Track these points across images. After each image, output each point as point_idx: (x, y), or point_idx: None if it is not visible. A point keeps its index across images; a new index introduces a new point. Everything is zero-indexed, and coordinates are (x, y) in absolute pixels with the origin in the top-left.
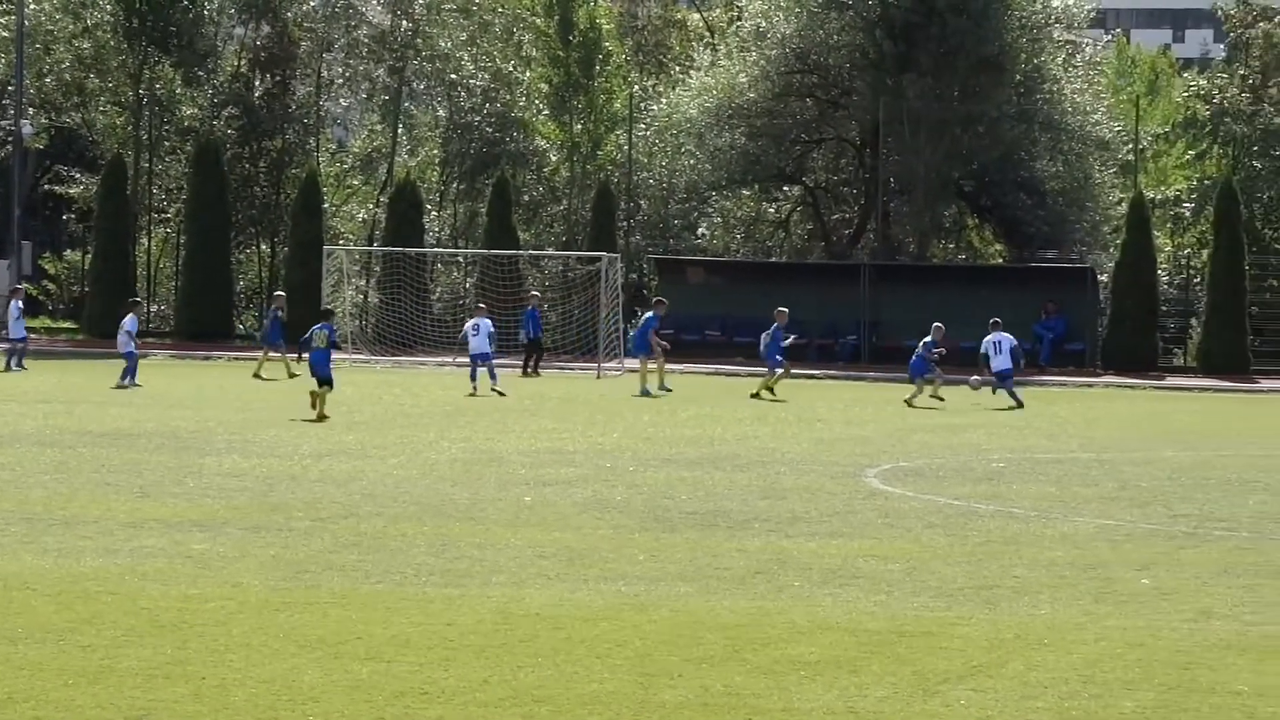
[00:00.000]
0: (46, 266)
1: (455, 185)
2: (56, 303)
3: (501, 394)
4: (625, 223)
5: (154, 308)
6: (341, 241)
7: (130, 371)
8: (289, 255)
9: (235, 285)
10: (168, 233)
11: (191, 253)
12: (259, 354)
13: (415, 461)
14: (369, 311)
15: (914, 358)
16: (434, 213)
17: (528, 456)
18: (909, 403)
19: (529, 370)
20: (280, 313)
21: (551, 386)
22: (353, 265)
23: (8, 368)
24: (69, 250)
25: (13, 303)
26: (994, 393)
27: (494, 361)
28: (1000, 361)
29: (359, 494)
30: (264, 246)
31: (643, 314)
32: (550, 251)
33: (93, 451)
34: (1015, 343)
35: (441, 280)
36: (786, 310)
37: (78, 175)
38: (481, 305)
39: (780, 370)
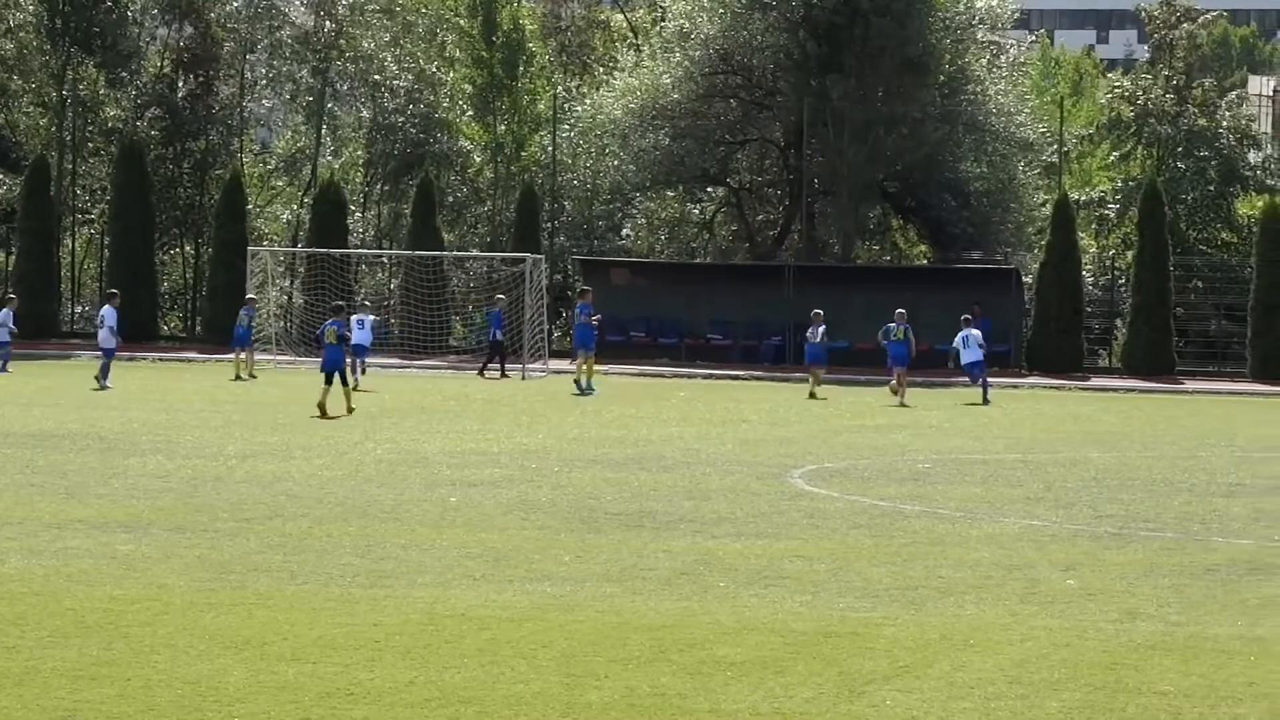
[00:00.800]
0: None
1: (380, 186)
2: None
3: (357, 389)
4: (550, 224)
5: (78, 309)
6: (266, 243)
7: (105, 370)
8: (213, 256)
9: (159, 286)
10: (92, 234)
11: (115, 254)
12: (233, 356)
13: (340, 462)
14: (293, 313)
15: (811, 345)
16: (358, 214)
17: (453, 457)
18: (813, 395)
19: (486, 370)
20: (251, 314)
21: (477, 388)
22: (277, 266)
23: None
24: None
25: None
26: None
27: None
28: (969, 355)
29: (284, 495)
30: (188, 248)
31: (574, 311)
32: (474, 253)
33: (17, 453)
34: (981, 340)
35: (366, 282)
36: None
37: (1, 176)
38: (367, 303)
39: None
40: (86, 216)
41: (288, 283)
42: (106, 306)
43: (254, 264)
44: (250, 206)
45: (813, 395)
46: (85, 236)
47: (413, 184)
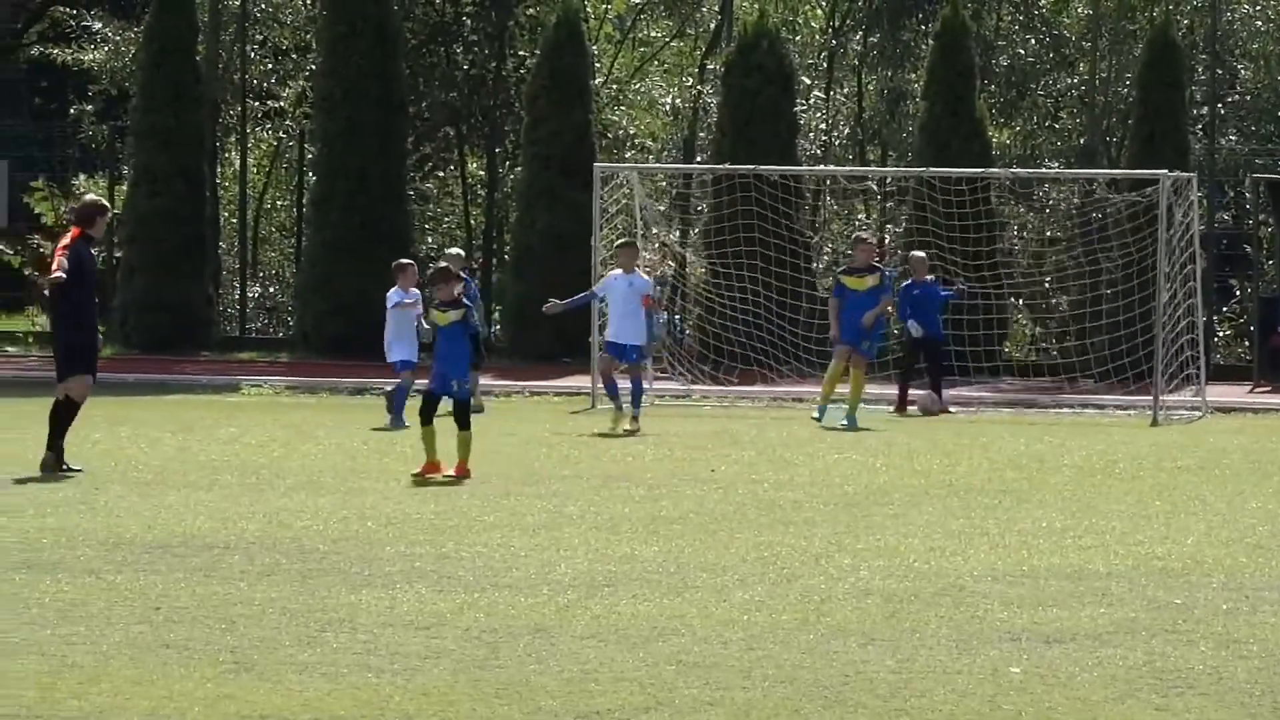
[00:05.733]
0: None
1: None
2: None
3: None
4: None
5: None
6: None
7: (399, 398)
8: (525, 180)
9: (413, 243)
10: (280, 138)
11: (328, 184)
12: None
13: (788, 596)
14: (689, 290)
15: None
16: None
17: (997, 578)
18: None
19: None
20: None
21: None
22: (653, 201)
23: None
24: None
25: None
26: None
27: None
28: None
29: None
30: (473, 164)
31: None
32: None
33: (166, 579)
34: None
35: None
36: None
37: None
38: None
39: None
40: (269, 104)
41: (673, 233)
42: (395, 289)
43: (607, 193)
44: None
45: None
46: (265, 144)
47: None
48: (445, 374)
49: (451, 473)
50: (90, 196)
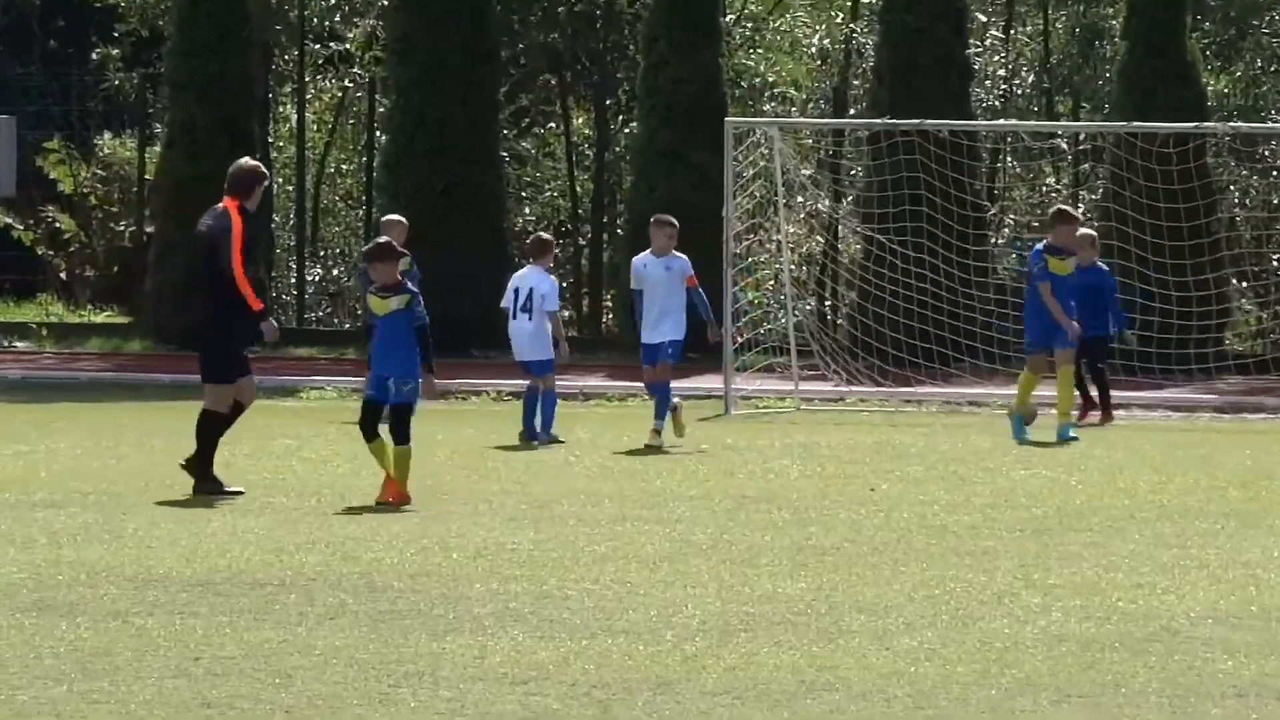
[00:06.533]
0: None
1: None
2: None
3: None
4: None
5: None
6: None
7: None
8: (640, 137)
9: (506, 214)
10: (346, 88)
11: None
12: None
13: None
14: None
15: None
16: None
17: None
18: None
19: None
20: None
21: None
22: (796, 160)
23: None
24: None
25: None
26: None
27: None
28: None
29: None
30: (579, 118)
31: None
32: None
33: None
34: None
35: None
36: None
37: None
38: None
39: None
40: (332, 48)
41: (821, 202)
42: (533, 268)
43: (741, 154)
44: None
45: None
46: (327, 96)
47: None
48: (382, 375)
49: (387, 499)
50: (246, 161)
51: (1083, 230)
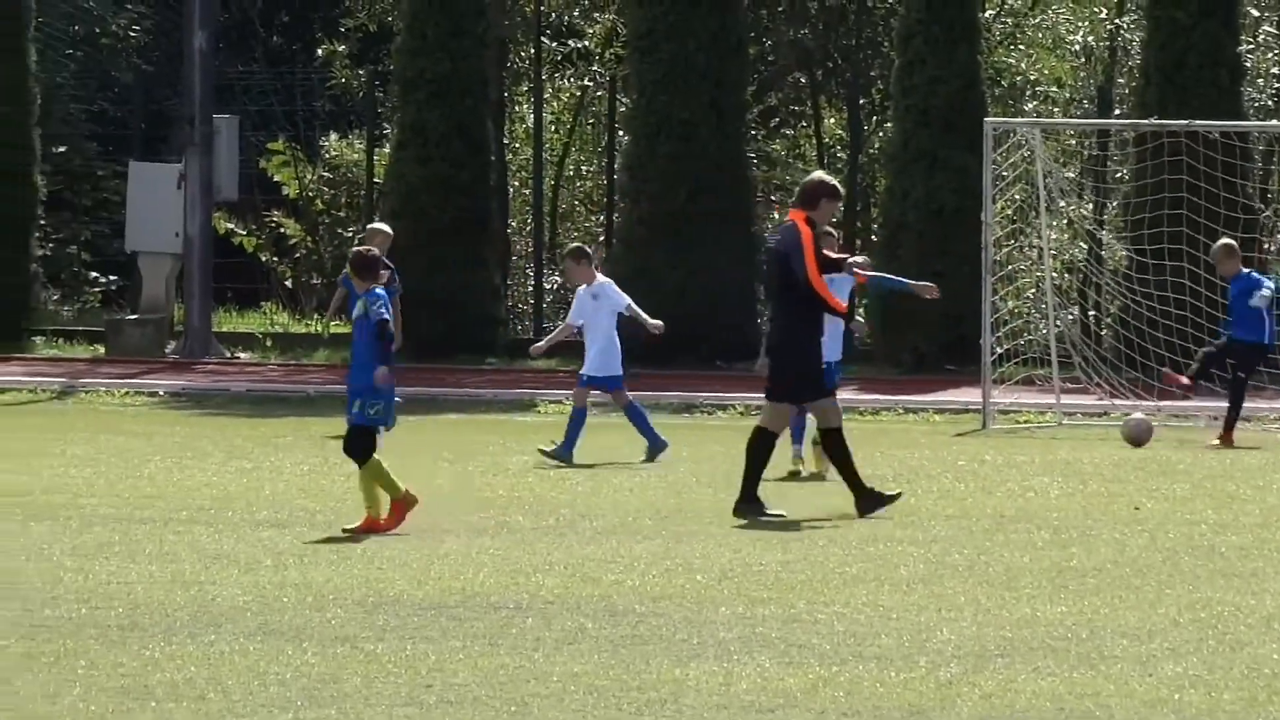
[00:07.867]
0: None
1: None
2: None
3: None
4: None
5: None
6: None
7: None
8: None
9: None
10: None
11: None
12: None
13: None
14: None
15: None
16: None
17: None
18: None
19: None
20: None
21: None
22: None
23: None
24: None
25: None
26: None
27: None
28: None
29: None
30: None
31: None
32: None
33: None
34: None
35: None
36: None
37: None
38: None
39: None
40: (571, 45)
41: (1084, 207)
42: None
43: (1001, 155)
44: None
45: None
46: (566, 95)
47: None
48: (350, 392)
49: (352, 526)
50: (818, 175)
51: (1221, 241)
